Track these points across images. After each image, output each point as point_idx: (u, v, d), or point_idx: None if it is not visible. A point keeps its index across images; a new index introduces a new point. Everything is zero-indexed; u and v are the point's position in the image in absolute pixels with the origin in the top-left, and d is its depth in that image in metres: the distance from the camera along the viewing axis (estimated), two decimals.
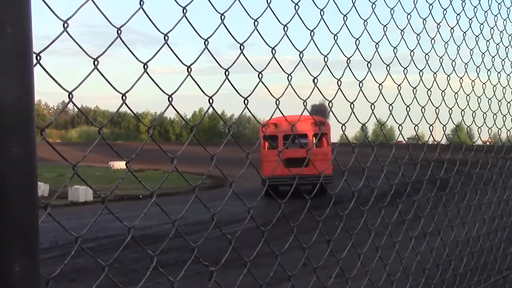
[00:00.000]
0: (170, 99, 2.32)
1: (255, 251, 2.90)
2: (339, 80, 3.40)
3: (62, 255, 14.57)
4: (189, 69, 2.39)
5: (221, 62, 2.64)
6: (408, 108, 4.06)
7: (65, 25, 1.86)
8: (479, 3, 4.91)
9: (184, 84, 2.45)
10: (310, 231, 3.28)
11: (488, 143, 5.71)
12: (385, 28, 3.80)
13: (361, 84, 3.59)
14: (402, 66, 4.06)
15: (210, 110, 2.58)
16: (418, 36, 4.16)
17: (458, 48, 4.67)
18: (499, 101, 5.44)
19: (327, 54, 3.31)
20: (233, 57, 2.72)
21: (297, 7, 3.02)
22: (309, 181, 17.75)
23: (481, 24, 5.01)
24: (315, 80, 3.21)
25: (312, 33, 3.16)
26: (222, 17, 2.56)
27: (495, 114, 5.35)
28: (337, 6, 3.36)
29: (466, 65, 4.81)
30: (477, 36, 4.96)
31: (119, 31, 2.07)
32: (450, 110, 4.56)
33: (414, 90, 4.12)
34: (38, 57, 1.71)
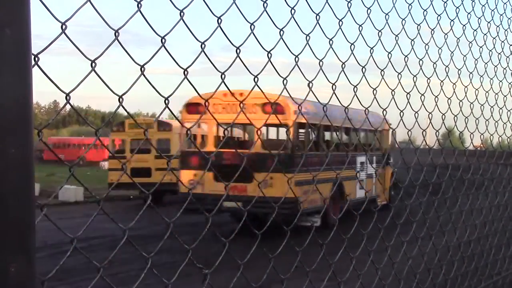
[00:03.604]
0: (166, 101, 2.32)
1: (249, 254, 2.91)
2: (333, 84, 3.41)
3: (52, 255, 14.51)
4: (186, 72, 2.39)
5: (214, 64, 2.64)
6: (401, 113, 4.08)
7: (63, 26, 1.85)
8: (473, 9, 4.94)
9: (176, 85, 2.45)
10: (304, 234, 3.29)
11: (479, 148, 5.74)
12: (379, 33, 3.81)
13: (355, 88, 3.60)
14: (396, 71, 4.07)
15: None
16: (412, 41, 4.18)
17: (452, 54, 4.69)
18: (492, 107, 5.47)
19: (322, 59, 3.32)
20: (226, 59, 2.73)
21: (293, 11, 3.03)
22: None
23: (475, 30, 5.03)
24: (310, 85, 3.22)
25: (307, 37, 3.17)
26: (219, 20, 2.57)
27: (487, 120, 5.38)
28: (333, 11, 3.37)
29: (459, 71, 4.84)
30: (470, 42, 4.98)
31: (116, 33, 2.07)
32: (443, 116, 4.58)
33: (408, 95, 4.14)
34: (36, 58, 1.72)
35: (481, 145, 5.65)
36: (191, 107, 15.55)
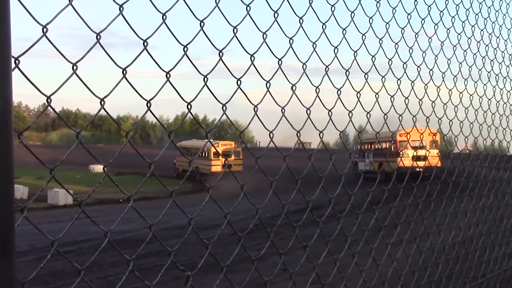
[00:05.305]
0: (148, 104, 2.34)
1: (232, 257, 2.92)
2: (317, 87, 3.43)
3: (39, 258, 14.45)
4: (168, 75, 2.40)
5: (203, 67, 2.66)
6: (385, 116, 4.11)
7: (45, 29, 1.86)
8: (457, 13, 4.97)
9: (167, 88, 2.46)
10: (288, 237, 3.30)
11: (467, 151, 5.78)
12: (363, 36, 3.84)
13: (339, 92, 3.62)
14: (380, 74, 4.10)
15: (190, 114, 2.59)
16: (396, 45, 4.21)
17: (436, 57, 4.73)
18: (476, 110, 5.51)
19: (306, 62, 3.33)
20: (215, 62, 2.73)
21: (276, 15, 3.05)
22: None
23: (459, 34, 5.07)
24: (293, 88, 3.23)
25: (291, 40, 3.19)
26: (202, 24, 2.58)
27: (471, 123, 5.42)
28: (316, 15, 3.39)
29: (443, 74, 4.87)
30: (454, 46, 5.01)
31: (98, 36, 2.08)
32: (427, 119, 4.61)
33: (392, 98, 4.16)
34: (17, 61, 1.72)
35: (466, 148, 5.68)
36: (402, 134, 32.57)
